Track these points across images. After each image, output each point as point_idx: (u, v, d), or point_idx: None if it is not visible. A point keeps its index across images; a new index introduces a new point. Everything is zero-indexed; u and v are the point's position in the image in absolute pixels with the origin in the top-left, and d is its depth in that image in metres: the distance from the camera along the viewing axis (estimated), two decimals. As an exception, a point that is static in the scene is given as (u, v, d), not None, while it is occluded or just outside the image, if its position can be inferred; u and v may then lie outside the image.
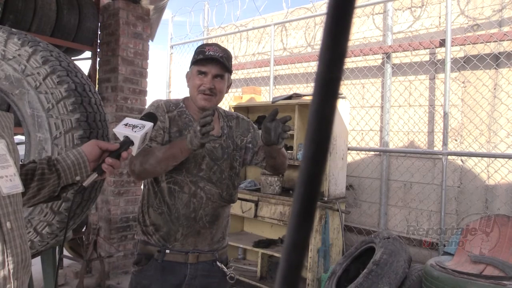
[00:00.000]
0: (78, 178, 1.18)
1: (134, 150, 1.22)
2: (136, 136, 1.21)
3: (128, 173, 1.61)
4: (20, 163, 1.14)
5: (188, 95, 1.75)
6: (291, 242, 0.27)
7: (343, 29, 0.25)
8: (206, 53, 1.62)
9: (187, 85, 1.73)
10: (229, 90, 1.82)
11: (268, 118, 1.51)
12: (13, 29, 2.17)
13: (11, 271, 0.96)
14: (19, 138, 3.39)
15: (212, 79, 1.62)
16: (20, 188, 1.02)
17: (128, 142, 1.21)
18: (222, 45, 2.10)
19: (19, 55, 2.09)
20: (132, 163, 1.54)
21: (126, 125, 1.23)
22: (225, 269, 1.72)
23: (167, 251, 1.65)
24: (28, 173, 1.12)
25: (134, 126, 1.22)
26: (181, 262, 1.66)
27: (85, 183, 1.16)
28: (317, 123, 0.26)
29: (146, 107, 1.80)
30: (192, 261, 1.66)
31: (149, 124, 1.25)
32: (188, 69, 1.74)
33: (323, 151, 0.26)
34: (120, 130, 1.22)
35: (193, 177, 1.63)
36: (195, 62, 1.65)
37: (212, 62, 1.61)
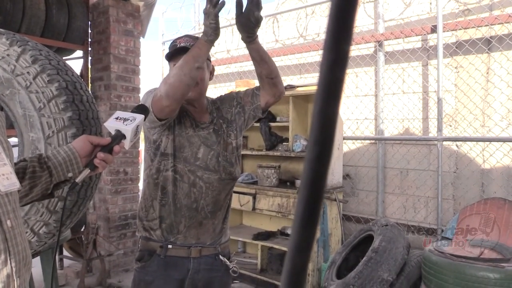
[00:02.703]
0: (70, 174, 1.17)
1: (126, 143, 1.21)
2: (128, 129, 1.19)
3: (157, 111, 1.53)
4: None
5: None
6: (295, 245, 0.27)
7: (345, 29, 0.25)
8: (178, 46, 1.61)
9: None
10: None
11: (237, 13, 1.48)
12: (1, 29, 2.15)
13: (14, 269, 0.97)
14: (13, 140, 3.38)
15: None
16: (17, 185, 1.01)
17: (119, 135, 1.19)
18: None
19: (8, 55, 2.07)
20: (156, 93, 1.48)
21: (117, 118, 1.21)
22: (228, 263, 1.72)
23: (170, 246, 1.65)
24: (19, 171, 1.10)
25: (125, 119, 1.20)
26: (184, 257, 1.66)
27: (78, 179, 1.15)
28: (320, 124, 0.26)
29: (141, 96, 1.78)
30: (195, 255, 1.66)
31: (140, 117, 1.23)
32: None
33: (327, 153, 0.26)
34: (111, 124, 1.21)
35: (191, 166, 1.63)
36: (169, 57, 1.64)
37: (184, 53, 1.56)
